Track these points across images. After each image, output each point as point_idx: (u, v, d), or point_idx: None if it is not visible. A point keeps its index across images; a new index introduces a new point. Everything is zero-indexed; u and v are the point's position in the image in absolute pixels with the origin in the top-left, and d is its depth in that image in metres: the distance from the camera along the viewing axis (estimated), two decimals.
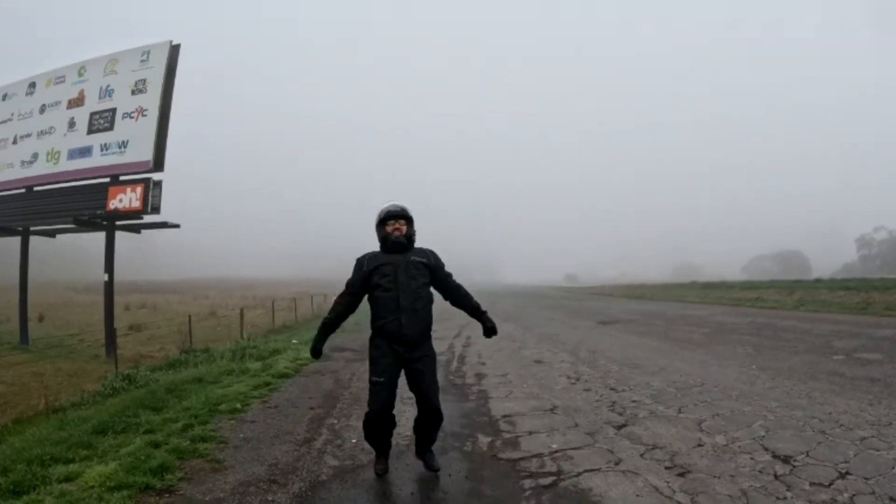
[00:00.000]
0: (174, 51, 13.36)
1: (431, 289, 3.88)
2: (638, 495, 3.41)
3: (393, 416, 3.79)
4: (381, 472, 3.83)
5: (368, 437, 3.89)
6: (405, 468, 4.02)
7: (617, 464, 3.98)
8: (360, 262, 3.83)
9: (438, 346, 9.53)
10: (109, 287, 13.10)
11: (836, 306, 17.52)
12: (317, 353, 3.97)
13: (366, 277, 3.76)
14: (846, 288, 21.04)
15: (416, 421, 3.91)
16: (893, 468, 3.66)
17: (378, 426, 3.77)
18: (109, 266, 13.15)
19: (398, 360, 3.68)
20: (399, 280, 3.71)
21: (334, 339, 12.41)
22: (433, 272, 3.87)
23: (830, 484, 3.45)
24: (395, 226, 3.83)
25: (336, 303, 3.92)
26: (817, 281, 29.71)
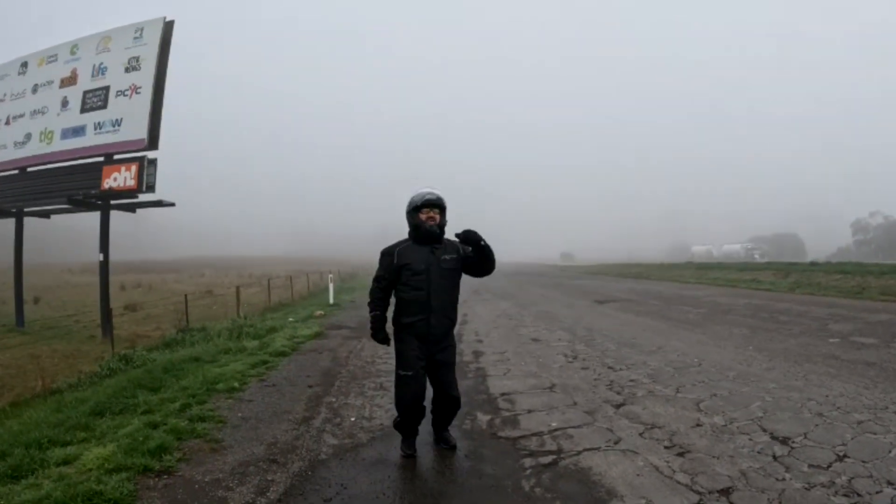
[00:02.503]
0: (168, 27, 13.16)
1: None
2: (638, 475, 3.41)
3: (424, 407, 3.79)
4: (409, 454, 3.81)
5: (400, 427, 3.88)
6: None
7: (616, 443, 3.99)
8: (389, 255, 3.74)
9: None
10: (105, 267, 13.04)
11: (832, 289, 17.52)
12: (386, 340, 3.87)
13: (396, 272, 3.70)
14: (842, 272, 20.98)
15: (434, 404, 3.89)
16: (891, 452, 3.66)
17: (411, 418, 3.78)
18: (104, 246, 13.08)
19: (425, 353, 3.70)
20: (432, 281, 3.66)
21: (331, 318, 12.53)
22: (463, 262, 3.81)
23: (829, 466, 3.46)
24: (429, 214, 3.71)
25: (376, 298, 3.80)
26: (813, 264, 29.63)
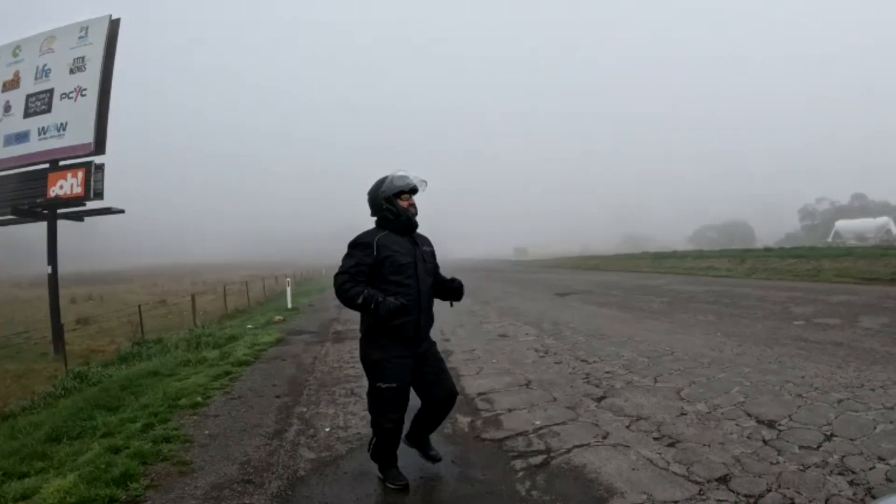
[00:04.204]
0: (114, 25, 12.60)
1: None
2: (633, 469, 3.33)
3: (403, 421, 3.28)
4: (403, 485, 3.28)
5: (381, 455, 3.33)
6: None
7: (605, 437, 3.91)
8: (368, 245, 3.15)
9: None
10: (54, 280, 12.40)
11: (788, 274, 18.11)
12: (403, 306, 3.06)
13: (377, 266, 3.14)
14: (796, 256, 21.74)
15: (424, 412, 3.43)
16: (875, 428, 3.70)
17: (394, 440, 3.29)
18: (52, 258, 12.44)
19: (410, 359, 3.22)
20: (419, 275, 3.23)
21: (291, 323, 12.21)
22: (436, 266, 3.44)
23: (819, 446, 3.46)
24: (410, 201, 3.29)
25: (352, 286, 3.06)
26: (767, 249, 30.68)
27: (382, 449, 3.29)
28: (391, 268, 3.14)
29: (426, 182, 3.33)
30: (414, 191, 3.31)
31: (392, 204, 3.24)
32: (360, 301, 3.01)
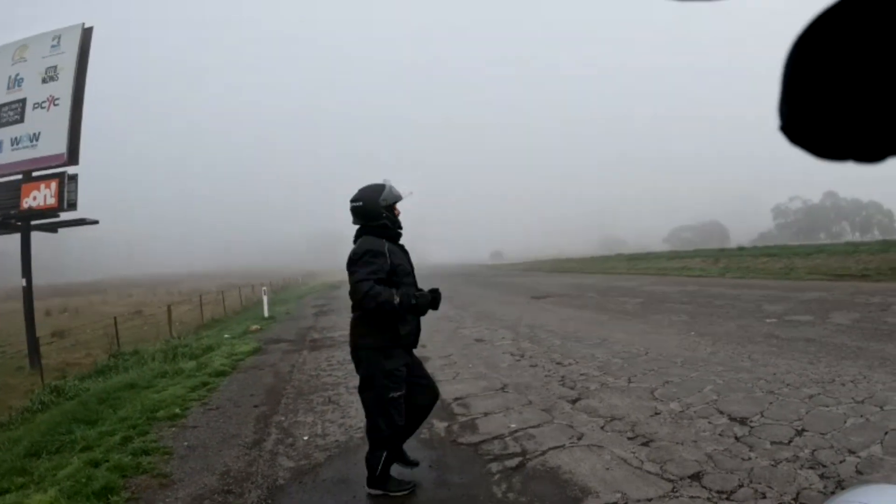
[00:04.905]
0: (87, 34, 12.47)
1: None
2: (608, 468, 3.39)
3: None
4: (413, 487, 3.34)
5: (386, 465, 3.27)
6: (363, 463, 3.85)
7: (580, 438, 3.97)
8: (382, 254, 3.15)
9: None
10: (28, 293, 12.19)
11: (761, 272, 18.45)
12: (436, 299, 3.28)
13: (391, 273, 3.17)
14: (769, 255, 22.14)
15: (411, 414, 3.39)
16: (846, 422, 3.80)
17: (396, 444, 3.36)
18: (27, 270, 12.23)
19: (406, 366, 3.29)
20: (416, 282, 3.35)
21: (268, 332, 12.16)
22: None
23: (790, 441, 3.55)
24: (398, 211, 3.38)
25: (383, 290, 3.04)
26: (740, 248, 31.19)
27: (387, 458, 3.26)
28: (401, 275, 3.21)
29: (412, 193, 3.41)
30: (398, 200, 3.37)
31: (391, 212, 3.30)
32: (397, 300, 3.05)
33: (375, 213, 3.27)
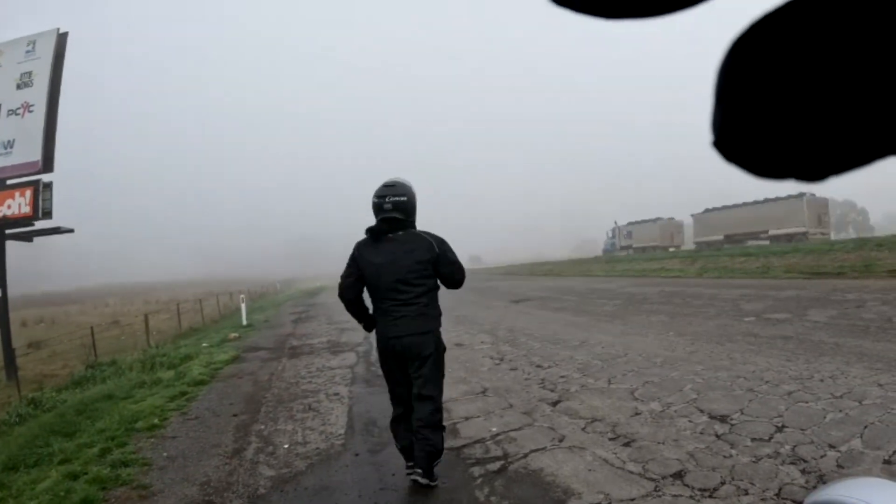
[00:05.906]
0: (62, 39, 12.30)
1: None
2: (590, 470, 3.40)
3: None
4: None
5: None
6: (344, 469, 3.83)
7: (561, 440, 3.97)
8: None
9: (353, 336, 9.28)
10: (3, 303, 11.95)
11: (738, 272, 18.66)
12: None
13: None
14: (746, 254, 22.37)
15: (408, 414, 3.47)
16: (825, 418, 3.85)
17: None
18: (2, 280, 11.99)
19: None
20: None
21: (246, 340, 12.03)
22: None
23: (770, 438, 3.59)
24: None
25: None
26: (717, 249, 31.57)
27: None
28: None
29: None
30: None
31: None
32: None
33: (414, 209, 3.27)
